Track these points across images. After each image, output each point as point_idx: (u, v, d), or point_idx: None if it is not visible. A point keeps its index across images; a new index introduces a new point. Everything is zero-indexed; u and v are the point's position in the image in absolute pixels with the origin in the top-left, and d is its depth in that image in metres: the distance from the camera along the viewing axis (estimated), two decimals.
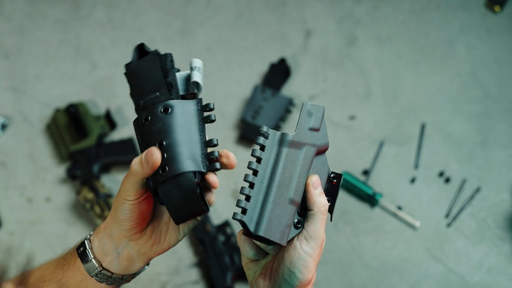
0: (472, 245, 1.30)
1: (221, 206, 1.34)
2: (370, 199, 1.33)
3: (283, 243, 0.67)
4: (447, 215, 1.33)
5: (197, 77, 0.69)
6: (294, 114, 1.44)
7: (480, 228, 1.32)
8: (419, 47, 1.54)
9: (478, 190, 1.35)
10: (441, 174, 1.38)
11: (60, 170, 1.39)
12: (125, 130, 1.43)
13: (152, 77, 0.69)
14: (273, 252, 0.70)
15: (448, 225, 1.32)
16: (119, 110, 1.45)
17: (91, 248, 0.73)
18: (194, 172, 0.66)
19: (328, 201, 0.70)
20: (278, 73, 1.48)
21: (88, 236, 0.75)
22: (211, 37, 1.56)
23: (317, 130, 0.70)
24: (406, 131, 1.43)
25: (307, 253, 0.66)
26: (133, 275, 0.77)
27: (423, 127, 1.43)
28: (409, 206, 1.34)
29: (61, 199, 1.36)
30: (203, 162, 0.67)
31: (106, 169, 1.39)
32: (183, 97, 0.71)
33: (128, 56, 1.53)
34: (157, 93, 0.68)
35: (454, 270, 1.28)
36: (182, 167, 0.65)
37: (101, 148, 1.38)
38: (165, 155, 0.66)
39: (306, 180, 0.69)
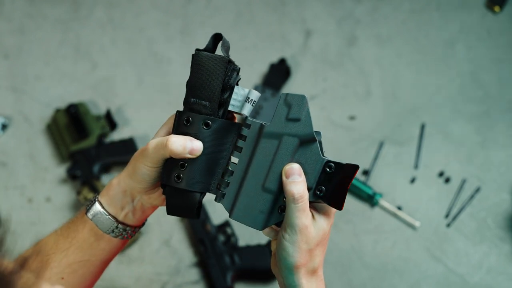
0: (472, 245, 1.30)
1: (221, 206, 1.34)
2: (370, 199, 1.33)
3: (258, 227, 0.71)
4: (447, 215, 1.34)
5: (247, 111, 0.72)
6: None
7: (480, 228, 1.32)
8: (419, 47, 1.54)
9: (478, 190, 1.36)
10: (441, 174, 1.38)
11: (60, 170, 1.39)
12: (126, 130, 1.44)
13: (211, 84, 0.71)
14: (271, 237, 0.75)
15: (448, 225, 1.32)
16: (119, 110, 1.46)
17: (103, 207, 0.77)
18: (202, 192, 0.73)
19: (321, 190, 0.70)
20: (278, 73, 1.48)
21: (96, 198, 0.78)
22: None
23: (297, 120, 0.69)
24: (406, 131, 1.43)
25: (285, 238, 0.69)
26: (141, 227, 0.82)
27: (423, 127, 1.43)
28: (409, 206, 1.34)
29: (61, 199, 1.36)
30: (213, 185, 0.73)
31: (106, 169, 1.39)
32: (228, 113, 0.74)
33: (128, 56, 1.54)
34: (207, 103, 0.71)
35: (454, 270, 1.28)
36: (194, 186, 0.71)
37: (102, 148, 1.38)
38: (186, 166, 0.71)
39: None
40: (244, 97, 0.72)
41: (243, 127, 0.72)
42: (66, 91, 1.49)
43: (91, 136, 1.38)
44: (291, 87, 1.48)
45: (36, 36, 1.56)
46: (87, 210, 0.77)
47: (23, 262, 0.50)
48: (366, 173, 1.38)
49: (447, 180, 1.37)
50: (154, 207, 0.79)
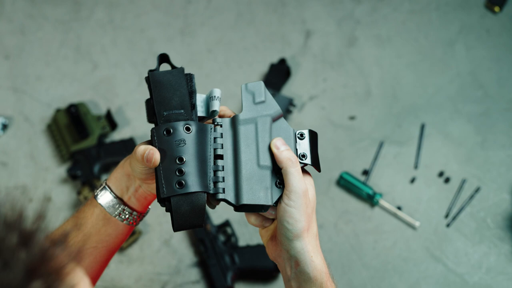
0: (471, 245, 1.30)
1: (221, 206, 1.34)
2: (370, 199, 1.33)
3: (269, 202, 0.74)
4: (446, 215, 1.34)
5: (216, 106, 0.77)
6: (295, 114, 1.45)
7: (480, 228, 1.32)
8: (418, 48, 1.54)
9: (477, 190, 1.36)
10: (440, 174, 1.38)
11: (61, 170, 1.39)
12: (126, 130, 1.44)
13: (179, 93, 0.76)
14: (273, 217, 0.78)
15: (448, 225, 1.33)
16: (119, 110, 1.46)
17: (111, 190, 0.81)
18: (205, 192, 0.74)
19: (304, 155, 0.77)
20: (278, 73, 1.48)
21: (105, 182, 0.82)
22: (211, 37, 1.56)
23: (263, 102, 0.77)
24: (406, 131, 1.43)
25: (289, 205, 0.73)
26: (144, 215, 0.85)
27: (422, 127, 1.43)
28: (408, 206, 1.35)
29: (62, 199, 1.36)
30: (209, 184, 0.74)
31: (107, 169, 1.39)
32: (199, 119, 0.79)
33: (128, 56, 1.54)
34: (182, 110, 0.76)
35: (454, 270, 1.28)
36: (197, 186, 0.72)
37: (102, 148, 1.38)
38: (184, 171, 0.72)
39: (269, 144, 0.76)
40: (205, 100, 0.78)
41: (216, 127, 0.76)
42: (66, 91, 1.49)
43: (91, 136, 1.39)
44: (291, 87, 1.49)
45: (37, 37, 1.56)
46: (96, 195, 0.81)
47: (64, 237, 0.51)
48: (366, 173, 1.38)
49: (447, 180, 1.37)
50: (154, 195, 0.82)
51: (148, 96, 0.79)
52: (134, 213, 0.82)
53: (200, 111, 0.78)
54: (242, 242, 1.30)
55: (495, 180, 1.37)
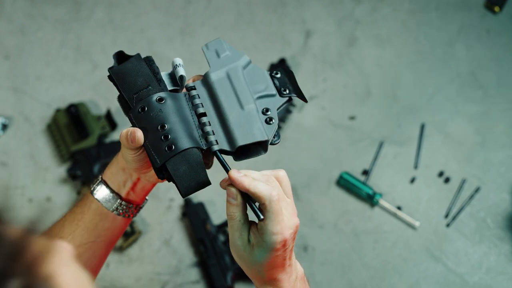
0: (471, 245, 1.30)
1: (221, 206, 1.35)
2: (370, 199, 1.33)
3: (265, 137, 0.72)
4: (446, 215, 1.34)
5: (182, 71, 0.77)
6: (295, 114, 1.45)
7: (480, 228, 1.32)
8: (418, 48, 1.54)
9: (477, 190, 1.36)
10: (440, 174, 1.38)
11: (60, 170, 1.39)
12: None
13: (141, 74, 0.77)
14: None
15: (448, 225, 1.33)
16: (119, 110, 1.46)
17: (107, 185, 0.80)
18: (197, 147, 0.73)
19: (285, 89, 0.76)
20: None
21: (100, 177, 0.82)
22: (212, 37, 1.55)
23: (227, 55, 0.77)
24: (406, 131, 1.43)
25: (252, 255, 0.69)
26: (142, 206, 0.85)
27: (422, 127, 1.43)
28: (408, 206, 1.35)
29: (62, 199, 1.36)
30: (201, 141, 0.74)
31: None
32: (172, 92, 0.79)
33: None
34: (149, 87, 0.76)
35: (454, 270, 1.28)
36: (187, 144, 0.72)
37: (102, 148, 1.38)
38: (169, 136, 0.72)
39: (227, 188, 0.70)
40: (170, 74, 0.78)
41: (190, 91, 0.76)
42: (66, 91, 1.49)
43: (91, 136, 1.39)
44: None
45: (37, 37, 1.56)
46: (92, 190, 0.81)
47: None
48: (366, 173, 1.38)
49: (447, 180, 1.37)
50: (153, 184, 0.82)
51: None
52: (131, 205, 0.82)
53: (169, 85, 0.78)
54: None
55: (495, 180, 1.37)
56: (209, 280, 1.26)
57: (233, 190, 0.69)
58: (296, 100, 1.46)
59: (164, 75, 0.78)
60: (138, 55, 0.78)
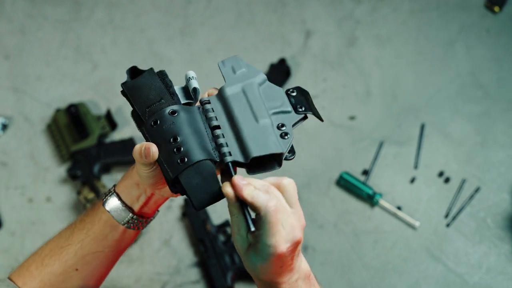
0: (471, 245, 1.30)
1: (222, 206, 1.34)
2: (370, 199, 1.33)
3: (280, 149, 0.71)
4: (446, 215, 1.34)
5: (195, 84, 0.76)
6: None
7: (480, 228, 1.32)
8: (418, 48, 1.54)
9: (477, 190, 1.36)
10: (440, 174, 1.38)
11: (60, 170, 1.39)
12: (126, 130, 1.44)
13: (154, 88, 0.76)
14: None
15: (448, 225, 1.33)
16: (119, 110, 1.46)
17: (120, 199, 0.79)
18: (210, 159, 0.72)
19: (301, 107, 0.75)
20: (278, 73, 1.48)
21: (113, 189, 0.80)
22: (212, 37, 1.56)
23: (243, 71, 0.77)
24: (406, 131, 1.43)
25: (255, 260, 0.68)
26: (152, 218, 0.84)
27: (422, 127, 1.43)
28: (408, 206, 1.35)
29: (61, 199, 1.36)
30: (214, 153, 0.72)
31: (106, 169, 1.39)
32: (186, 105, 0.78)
33: (128, 56, 1.54)
34: (162, 100, 0.74)
35: (454, 270, 1.28)
36: (200, 156, 0.71)
37: (102, 148, 1.38)
38: (182, 148, 0.71)
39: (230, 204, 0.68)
40: (184, 88, 0.78)
41: (204, 105, 0.75)
42: (66, 91, 1.49)
43: (91, 136, 1.39)
44: (291, 87, 1.48)
45: (37, 37, 1.56)
46: (104, 202, 0.79)
47: None
48: (366, 173, 1.38)
49: (447, 180, 1.37)
50: (166, 198, 0.81)
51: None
52: (142, 219, 0.81)
53: (183, 98, 0.77)
54: None
55: (495, 180, 1.37)
56: (209, 280, 1.26)
57: (229, 192, 0.67)
58: None
59: (177, 89, 0.77)
60: (151, 69, 0.78)
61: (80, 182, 1.34)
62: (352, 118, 1.45)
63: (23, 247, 1.30)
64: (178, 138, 0.71)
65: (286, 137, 0.73)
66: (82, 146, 1.37)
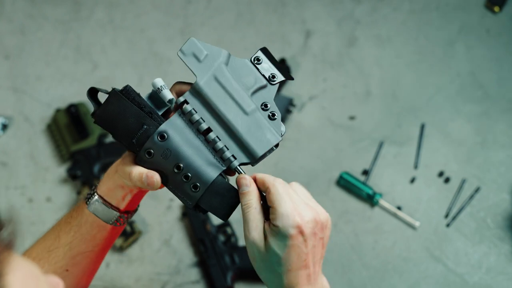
0: (471, 245, 1.30)
1: None
2: (370, 199, 1.33)
3: (279, 138, 0.72)
4: (446, 215, 1.34)
5: (168, 94, 0.74)
6: (295, 114, 1.45)
7: (480, 228, 1.32)
8: (418, 48, 1.54)
9: (477, 190, 1.36)
10: (440, 174, 1.38)
11: (60, 170, 1.39)
12: None
13: (129, 115, 0.72)
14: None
15: (448, 225, 1.33)
16: None
17: (104, 200, 0.78)
18: (220, 174, 0.72)
19: (273, 76, 0.74)
20: None
21: (95, 192, 0.78)
22: (212, 37, 1.56)
23: (207, 56, 0.74)
24: (406, 131, 1.43)
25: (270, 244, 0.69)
26: (135, 210, 0.84)
27: (422, 127, 1.43)
28: (408, 206, 1.35)
29: (61, 199, 1.36)
30: (218, 162, 0.73)
31: (106, 169, 1.38)
32: (163, 115, 0.75)
33: (128, 56, 1.54)
34: (145, 126, 0.72)
35: (454, 270, 1.28)
36: (210, 176, 0.71)
37: (102, 148, 1.38)
38: (189, 174, 0.71)
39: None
40: (149, 95, 0.75)
41: (183, 107, 0.73)
42: (66, 91, 1.49)
43: (91, 136, 1.39)
44: (291, 87, 1.49)
45: (37, 37, 1.56)
46: (88, 204, 0.78)
47: None
48: (366, 173, 1.38)
49: (447, 180, 1.37)
50: (147, 190, 0.81)
51: None
52: (129, 214, 0.81)
53: (157, 109, 0.74)
54: (242, 242, 1.30)
55: (495, 180, 1.37)
56: (209, 280, 1.26)
57: (246, 177, 0.70)
58: (297, 100, 1.46)
59: (146, 99, 0.74)
60: (114, 91, 0.72)
61: (80, 182, 1.35)
62: (352, 118, 1.45)
63: (23, 247, 1.30)
64: (181, 164, 0.71)
65: (274, 117, 0.73)
66: (82, 146, 1.37)
